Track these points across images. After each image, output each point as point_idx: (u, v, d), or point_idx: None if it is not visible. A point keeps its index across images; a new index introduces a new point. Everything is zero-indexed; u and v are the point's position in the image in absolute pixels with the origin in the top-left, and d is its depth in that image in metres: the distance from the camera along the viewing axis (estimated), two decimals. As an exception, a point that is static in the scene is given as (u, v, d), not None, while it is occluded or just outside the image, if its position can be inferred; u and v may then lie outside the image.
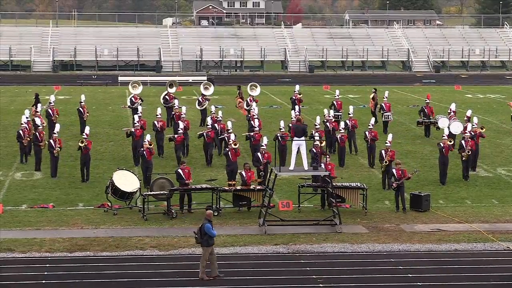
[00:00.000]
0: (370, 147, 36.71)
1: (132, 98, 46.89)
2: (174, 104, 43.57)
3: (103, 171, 35.43)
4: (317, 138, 32.36)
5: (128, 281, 22.40)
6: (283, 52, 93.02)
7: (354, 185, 30.01)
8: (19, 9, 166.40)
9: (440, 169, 34.15)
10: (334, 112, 46.18)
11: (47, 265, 23.56)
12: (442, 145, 33.92)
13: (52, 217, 28.43)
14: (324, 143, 34.90)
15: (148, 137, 33.65)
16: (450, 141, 35.00)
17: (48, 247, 25.08)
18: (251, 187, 29.72)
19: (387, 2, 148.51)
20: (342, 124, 38.37)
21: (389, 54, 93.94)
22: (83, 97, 45.64)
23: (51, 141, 35.07)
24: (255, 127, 37.86)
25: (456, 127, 38.58)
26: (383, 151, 33.09)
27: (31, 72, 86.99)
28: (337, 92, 48.79)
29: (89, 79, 78.28)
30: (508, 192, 32.84)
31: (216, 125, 38.38)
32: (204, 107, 46.53)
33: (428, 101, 45.29)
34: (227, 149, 32.86)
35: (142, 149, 32.68)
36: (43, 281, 22.30)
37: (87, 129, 35.90)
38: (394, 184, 29.63)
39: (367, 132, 36.84)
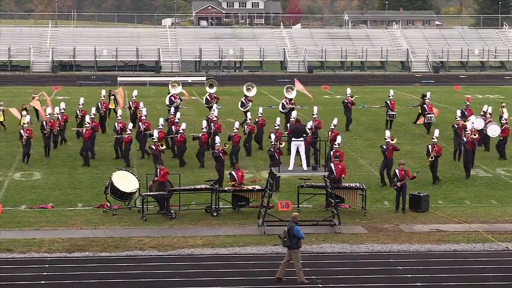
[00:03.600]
0: (332, 147, 36.27)
1: (172, 98, 46.96)
2: (139, 107, 43.43)
3: (102, 172, 35.44)
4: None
5: (127, 282, 22.40)
6: (282, 53, 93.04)
7: (353, 186, 30.03)
8: (18, 9, 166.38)
9: (464, 163, 34.90)
10: (389, 111, 46.22)
11: (47, 266, 23.56)
12: (465, 139, 34.26)
13: (51, 218, 28.43)
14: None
15: (218, 139, 33.83)
16: (475, 135, 35.36)
17: (47, 248, 25.08)
18: (250, 187, 29.79)
19: (386, 2, 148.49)
20: (308, 124, 38.11)
21: (388, 54, 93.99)
22: (135, 92, 47.68)
23: (21, 130, 37.54)
24: (203, 128, 37.79)
25: (494, 130, 38.81)
26: (429, 146, 33.51)
27: (30, 72, 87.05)
28: (391, 92, 48.90)
29: (89, 80, 78.28)
30: (507, 193, 32.84)
31: (173, 126, 38.39)
32: (247, 108, 46.41)
33: (468, 103, 45.21)
34: (272, 150, 32.54)
35: (216, 151, 32.81)
36: (42, 282, 22.30)
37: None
38: (397, 184, 29.63)
39: (329, 132, 36.79)
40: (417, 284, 22.40)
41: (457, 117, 40.61)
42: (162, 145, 34.55)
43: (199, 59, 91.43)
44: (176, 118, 39.23)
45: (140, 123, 39.10)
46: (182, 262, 24.03)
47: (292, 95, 47.67)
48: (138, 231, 27.02)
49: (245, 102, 46.81)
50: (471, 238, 26.61)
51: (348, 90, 48.67)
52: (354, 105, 47.77)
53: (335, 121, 37.59)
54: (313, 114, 40.59)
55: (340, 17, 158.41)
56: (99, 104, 45.37)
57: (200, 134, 37.02)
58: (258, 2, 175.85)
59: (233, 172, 30.13)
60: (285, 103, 46.47)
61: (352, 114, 47.19)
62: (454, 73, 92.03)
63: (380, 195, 31.90)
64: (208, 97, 47.54)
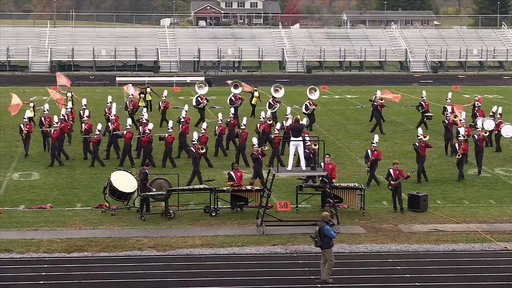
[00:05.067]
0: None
1: (198, 98, 46.93)
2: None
3: (101, 172, 35.42)
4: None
5: (126, 282, 22.39)
6: (281, 53, 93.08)
7: (352, 186, 30.01)
8: (17, 10, 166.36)
9: (476, 159, 35.48)
10: (423, 112, 45.73)
11: (45, 266, 23.55)
12: (477, 136, 35.35)
13: (50, 218, 28.42)
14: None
15: (255, 140, 33.59)
16: (486, 132, 36.54)
17: (46, 248, 25.07)
18: (249, 187, 29.79)
19: (385, 2, 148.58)
20: (278, 125, 38.07)
21: (387, 54, 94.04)
22: (165, 92, 48.22)
23: (21, 125, 38.80)
24: (169, 129, 37.79)
25: (508, 131, 38.97)
26: (456, 144, 34.29)
27: (28, 72, 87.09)
28: (424, 93, 48.75)
29: (87, 80, 78.25)
30: (506, 192, 32.84)
31: (140, 127, 38.37)
32: (275, 109, 46.26)
33: (480, 104, 45.10)
34: (307, 151, 32.36)
35: (255, 153, 32.63)
36: (41, 282, 22.29)
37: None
38: (392, 183, 29.64)
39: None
40: (416, 284, 22.40)
41: (447, 113, 40.85)
42: (202, 149, 34.32)
43: (198, 59, 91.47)
44: (144, 119, 39.23)
45: (109, 123, 38.98)
46: (181, 262, 24.03)
47: (315, 96, 47.51)
48: (136, 231, 27.02)
49: (272, 103, 46.68)
50: (469, 238, 26.61)
51: (378, 92, 47.92)
52: (384, 107, 46.79)
53: (304, 121, 37.50)
54: (286, 114, 40.50)
55: (338, 17, 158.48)
56: (127, 102, 46.00)
57: (166, 135, 36.90)
58: (256, 2, 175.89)
59: (232, 173, 30.12)
60: (308, 104, 46.28)
61: (381, 116, 46.25)
62: (453, 73, 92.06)
63: (379, 195, 31.89)
64: (232, 98, 47.55)
